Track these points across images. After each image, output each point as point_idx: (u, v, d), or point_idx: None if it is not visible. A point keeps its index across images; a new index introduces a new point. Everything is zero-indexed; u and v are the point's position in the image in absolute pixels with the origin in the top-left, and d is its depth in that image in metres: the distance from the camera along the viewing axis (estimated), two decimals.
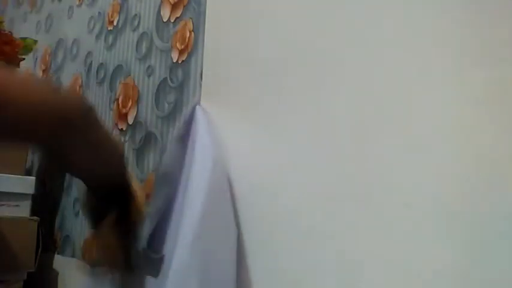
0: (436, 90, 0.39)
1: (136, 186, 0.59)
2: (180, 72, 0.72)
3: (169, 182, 0.61)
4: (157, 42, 0.80)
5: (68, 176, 1.03)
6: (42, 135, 0.47)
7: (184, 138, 0.62)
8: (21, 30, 1.43)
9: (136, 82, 0.84)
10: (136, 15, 0.88)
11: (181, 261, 0.52)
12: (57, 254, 0.99)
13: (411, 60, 0.41)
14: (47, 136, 0.47)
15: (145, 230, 0.59)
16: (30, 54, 1.20)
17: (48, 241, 0.99)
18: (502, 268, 0.33)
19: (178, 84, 0.72)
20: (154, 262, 0.57)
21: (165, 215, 0.59)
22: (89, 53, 1.04)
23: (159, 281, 0.56)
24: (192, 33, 0.71)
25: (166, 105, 0.74)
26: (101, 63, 0.98)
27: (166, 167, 0.62)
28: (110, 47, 0.95)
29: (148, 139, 0.78)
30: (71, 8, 1.18)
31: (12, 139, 0.49)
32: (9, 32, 1.07)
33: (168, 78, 0.75)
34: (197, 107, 0.64)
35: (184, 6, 0.74)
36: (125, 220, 0.57)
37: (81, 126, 0.48)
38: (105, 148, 0.53)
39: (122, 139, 0.85)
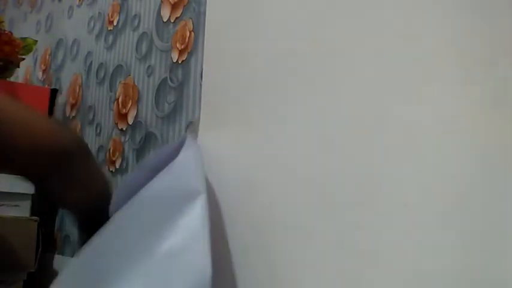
0: (437, 90, 0.39)
1: None
2: (180, 72, 0.72)
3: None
4: (157, 42, 0.80)
5: None
6: (36, 167, 0.47)
7: (158, 168, 0.55)
8: (21, 30, 1.43)
9: (136, 82, 0.84)
10: (136, 15, 0.88)
11: None
12: (57, 254, 0.99)
13: (411, 59, 0.41)
14: (41, 169, 0.47)
15: None
16: (30, 54, 1.20)
17: (48, 241, 0.99)
18: (503, 268, 0.33)
19: (178, 84, 0.72)
20: None
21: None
22: (89, 53, 1.04)
23: None
24: (192, 33, 0.71)
25: (166, 105, 0.74)
26: (101, 63, 0.98)
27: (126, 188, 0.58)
28: (110, 47, 0.95)
29: (148, 139, 0.78)
30: (71, 8, 1.18)
31: (7, 170, 0.49)
32: (9, 32, 1.07)
33: (168, 78, 0.75)
34: (187, 136, 0.58)
35: (184, 6, 0.74)
36: None
37: (75, 159, 0.49)
38: (97, 182, 0.54)
39: (122, 139, 0.85)
